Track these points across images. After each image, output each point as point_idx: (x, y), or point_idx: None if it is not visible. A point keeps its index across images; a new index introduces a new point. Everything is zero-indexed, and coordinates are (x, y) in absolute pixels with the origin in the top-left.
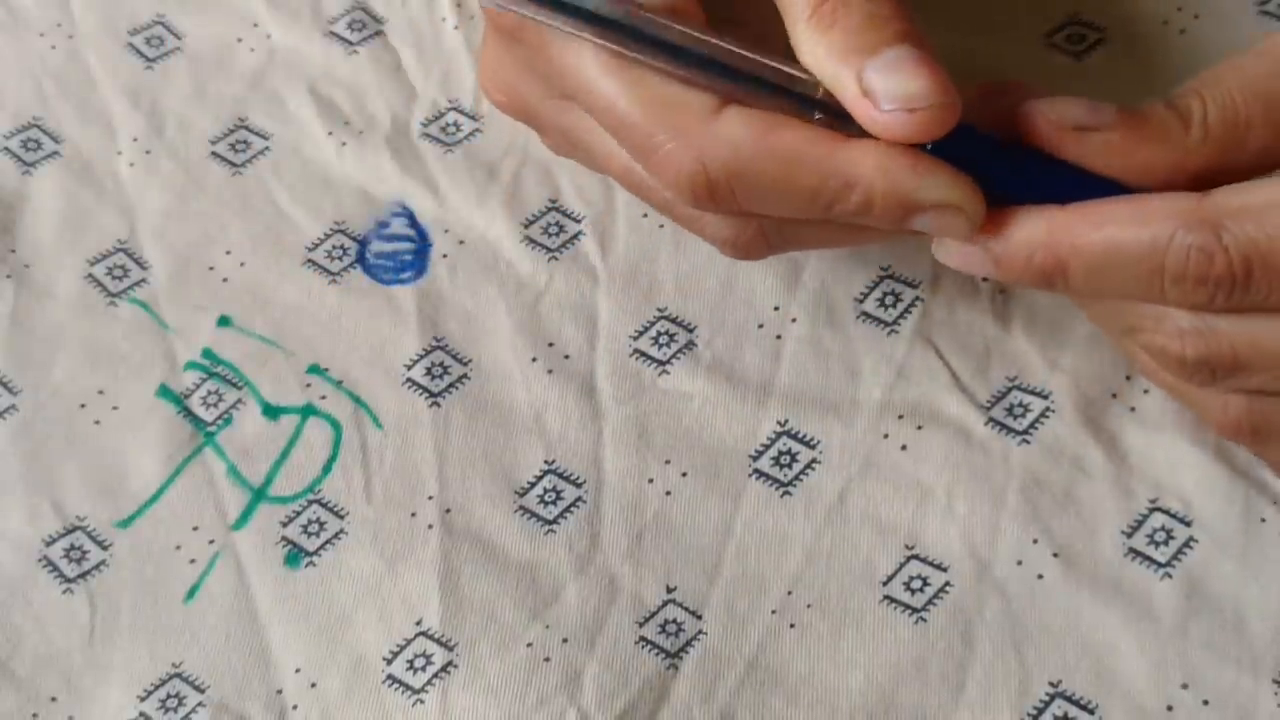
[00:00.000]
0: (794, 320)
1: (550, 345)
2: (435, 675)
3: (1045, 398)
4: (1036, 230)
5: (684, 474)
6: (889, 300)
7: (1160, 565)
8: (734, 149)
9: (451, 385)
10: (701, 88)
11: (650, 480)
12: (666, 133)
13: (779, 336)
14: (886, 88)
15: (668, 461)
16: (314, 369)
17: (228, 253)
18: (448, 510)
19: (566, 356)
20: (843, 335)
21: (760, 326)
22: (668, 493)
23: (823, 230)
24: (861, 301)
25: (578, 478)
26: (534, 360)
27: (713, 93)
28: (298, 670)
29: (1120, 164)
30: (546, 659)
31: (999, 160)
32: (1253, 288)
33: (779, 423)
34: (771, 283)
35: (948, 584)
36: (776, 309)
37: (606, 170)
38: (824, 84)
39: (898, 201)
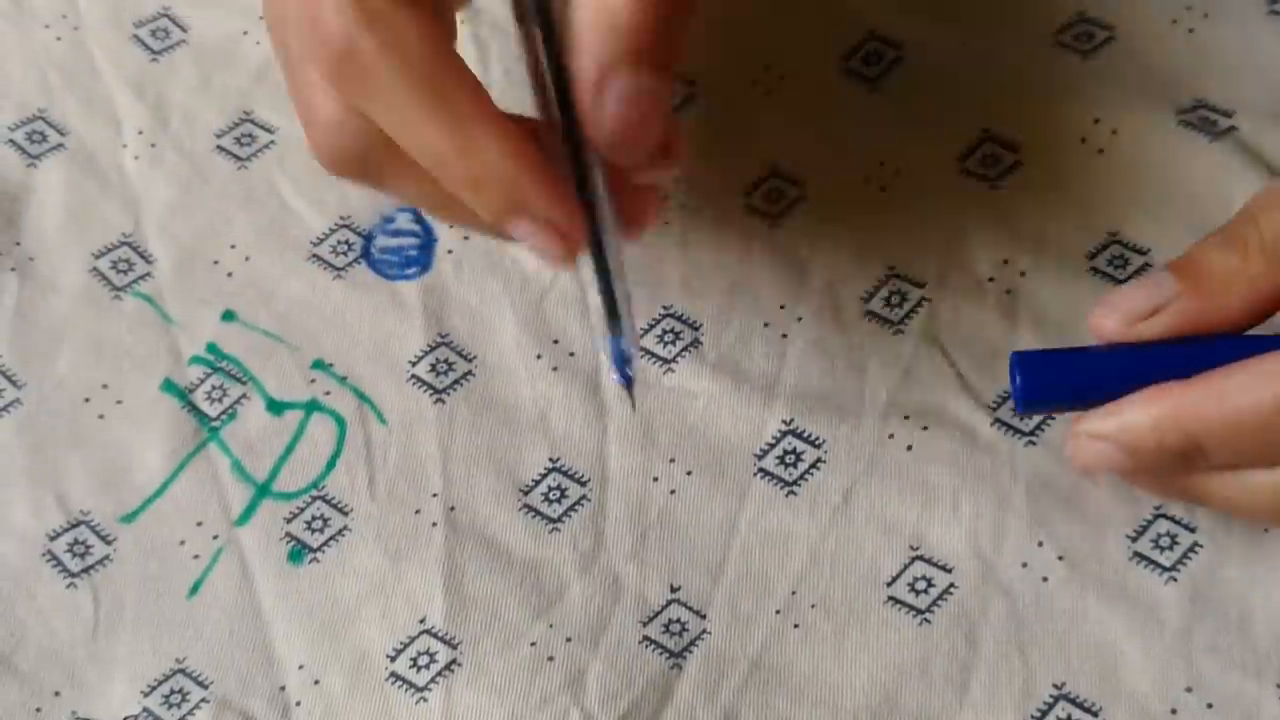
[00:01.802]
0: (800, 319)
1: (555, 342)
2: (439, 673)
3: None
4: (1163, 410)
5: (689, 472)
6: (895, 300)
7: (1165, 569)
8: (404, 33)
9: (456, 382)
10: None
11: (655, 479)
12: None
13: (785, 335)
14: (618, 111)
15: (672, 460)
16: (318, 364)
17: (232, 247)
18: (452, 508)
19: (571, 354)
20: (848, 335)
21: (766, 325)
22: (672, 491)
23: (424, 182)
24: (867, 301)
25: (582, 476)
26: (539, 357)
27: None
28: (301, 667)
29: (1200, 325)
30: (550, 658)
31: (1096, 364)
32: None
33: (784, 422)
34: (777, 281)
35: (952, 585)
36: (783, 308)
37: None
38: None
39: (507, 196)
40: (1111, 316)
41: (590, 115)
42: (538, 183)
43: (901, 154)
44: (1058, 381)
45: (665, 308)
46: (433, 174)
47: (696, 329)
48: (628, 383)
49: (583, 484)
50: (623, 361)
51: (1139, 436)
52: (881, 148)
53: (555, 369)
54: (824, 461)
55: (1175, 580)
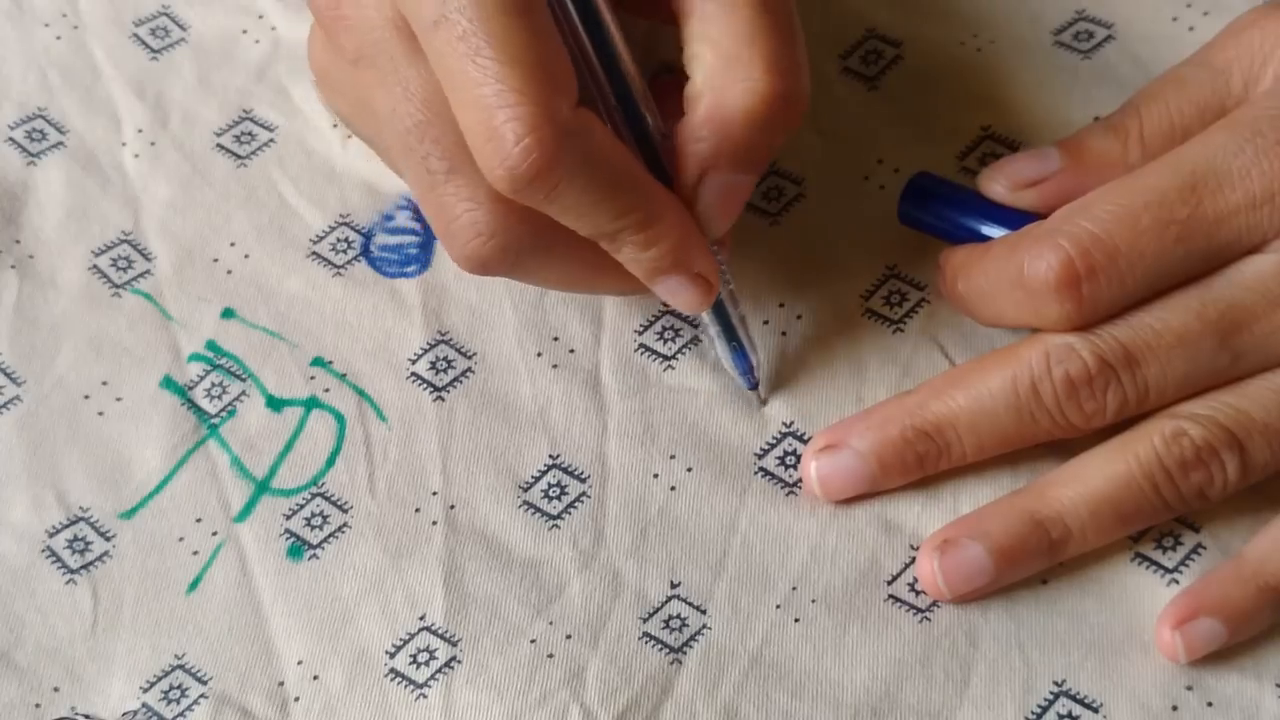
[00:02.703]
0: (799, 317)
1: (555, 339)
2: (439, 670)
3: None
4: (957, 259)
5: (689, 469)
6: (895, 298)
7: (1167, 570)
8: (587, 139)
9: (456, 379)
10: (568, 66)
11: (655, 475)
12: (536, 88)
13: (784, 334)
14: (712, 199)
15: (673, 456)
16: (318, 361)
17: (232, 244)
18: (452, 506)
19: (571, 351)
20: (848, 333)
21: (765, 323)
22: (673, 487)
23: (571, 263)
24: (867, 299)
25: (582, 473)
26: (539, 354)
27: (576, 74)
28: (300, 662)
29: (1074, 195)
30: (550, 655)
31: (971, 205)
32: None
33: (784, 424)
34: (776, 279)
35: None
36: (782, 305)
37: (384, 131)
38: (689, 117)
39: (674, 258)
40: (999, 180)
41: (685, 196)
42: (696, 242)
43: (900, 152)
44: (935, 204)
45: (665, 305)
46: (604, 246)
47: (696, 327)
48: (754, 386)
49: (582, 480)
50: (748, 370)
51: (941, 277)
52: (880, 146)
53: (555, 366)
54: None
55: (1177, 582)
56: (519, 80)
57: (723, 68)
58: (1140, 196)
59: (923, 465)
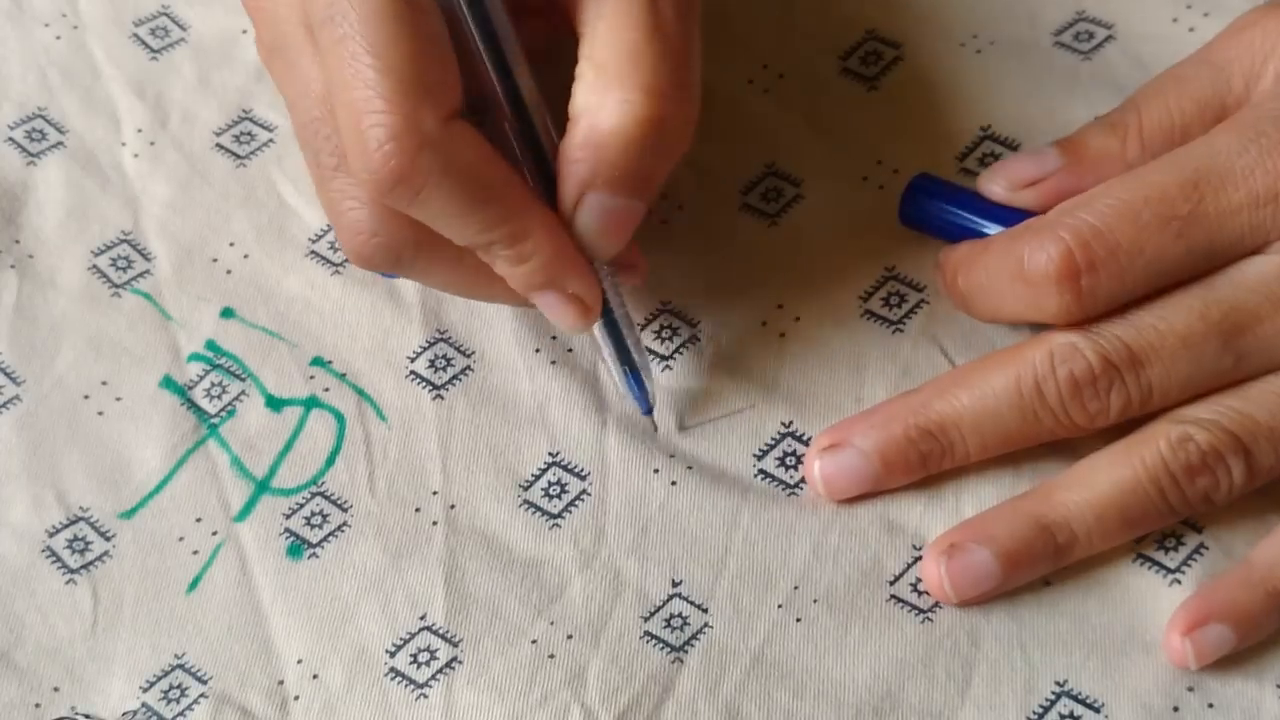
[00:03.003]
0: (797, 319)
1: (553, 338)
2: (439, 671)
3: None
4: (957, 253)
5: (689, 467)
6: (894, 299)
7: (1170, 571)
8: (453, 150)
9: (455, 378)
10: (450, 77)
11: (656, 470)
12: (402, 97)
13: (783, 335)
14: (589, 221)
15: (672, 455)
16: (317, 361)
17: (231, 244)
18: (452, 506)
19: (569, 349)
20: (847, 334)
21: (764, 324)
22: (674, 483)
23: (454, 269)
24: (866, 300)
25: (582, 470)
26: (537, 351)
27: (458, 81)
28: (300, 661)
29: (1073, 194)
30: (551, 656)
31: (971, 205)
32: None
33: (783, 424)
34: (776, 280)
35: None
36: (780, 307)
37: (292, 124)
38: (571, 134)
39: (546, 275)
40: (998, 181)
41: (565, 217)
42: (571, 262)
43: (900, 153)
44: (936, 204)
45: (664, 303)
46: (480, 256)
47: (694, 326)
48: (649, 412)
49: (582, 478)
50: (642, 395)
51: (941, 273)
52: (880, 147)
53: (554, 363)
54: None
55: (1180, 582)
56: (388, 87)
57: (602, 87)
58: (1142, 192)
59: (926, 464)
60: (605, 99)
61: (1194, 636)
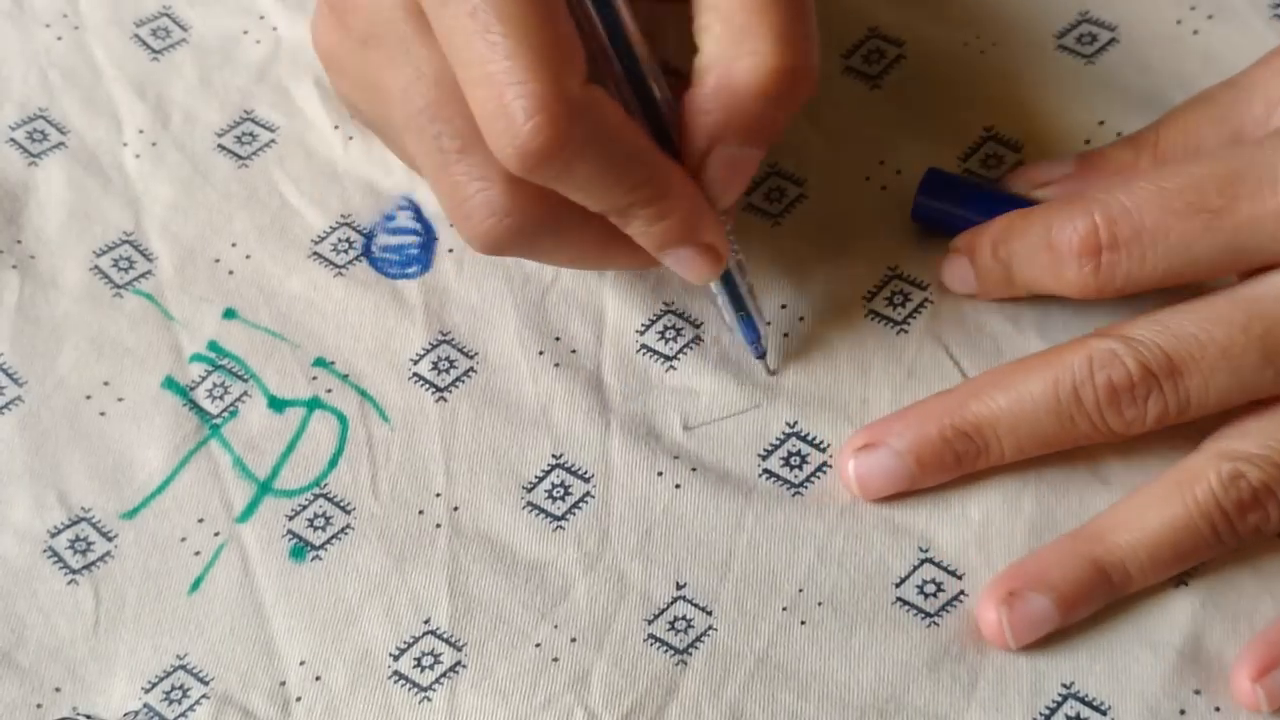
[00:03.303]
0: (801, 319)
1: (557, 339)
2: (443, 674)
3: None
4: (995, 229)
5: (693, 469)
6: (898, 299)
7: (1177, 575)
8: (597, 115)
9: (458, 379)
10: (577, 41)
11: (660, 473)
12: (544, 65)
13: (786, 335)
14: (718, 171)
15: (676, 457)
16: (320, 362)
17: (233, 245)
18: (455, 508)
19: (573, 351)
20: (851, 334)
21: (768, 324)
22: (677, 485)
23: (581, 241)
24: (870, 300)
25: (586, 472)
26: (540, 353)
27: (581, 45)
28: (302, 663)
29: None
30: (555, 659)
31: (982, 199)
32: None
33: (788, 424)
34: (779, 281)
35: (962, 593)
36: (784, 307)
37: (395, 112)
38: (695, 89)
39: (683, 230)
40: (1016, 185)
41: (693, 168)
42: (705, 214)
43: (903, 153)
44: (952, 196)
45: (666, 304)
46: (614, 221)
47: (698, 326)
48: (762, 355)
49: (586, 480)
50: (755, 339)
51: (976, 245)
52: (883, 146)
53: (557, 365)
54: (830, 465)
55: (1186, 585)
56: (528, 57)
57: (731, 39)
58: (1178, 180)
59: (961, 464)
60: (738, 50)
61: (1265, 682)
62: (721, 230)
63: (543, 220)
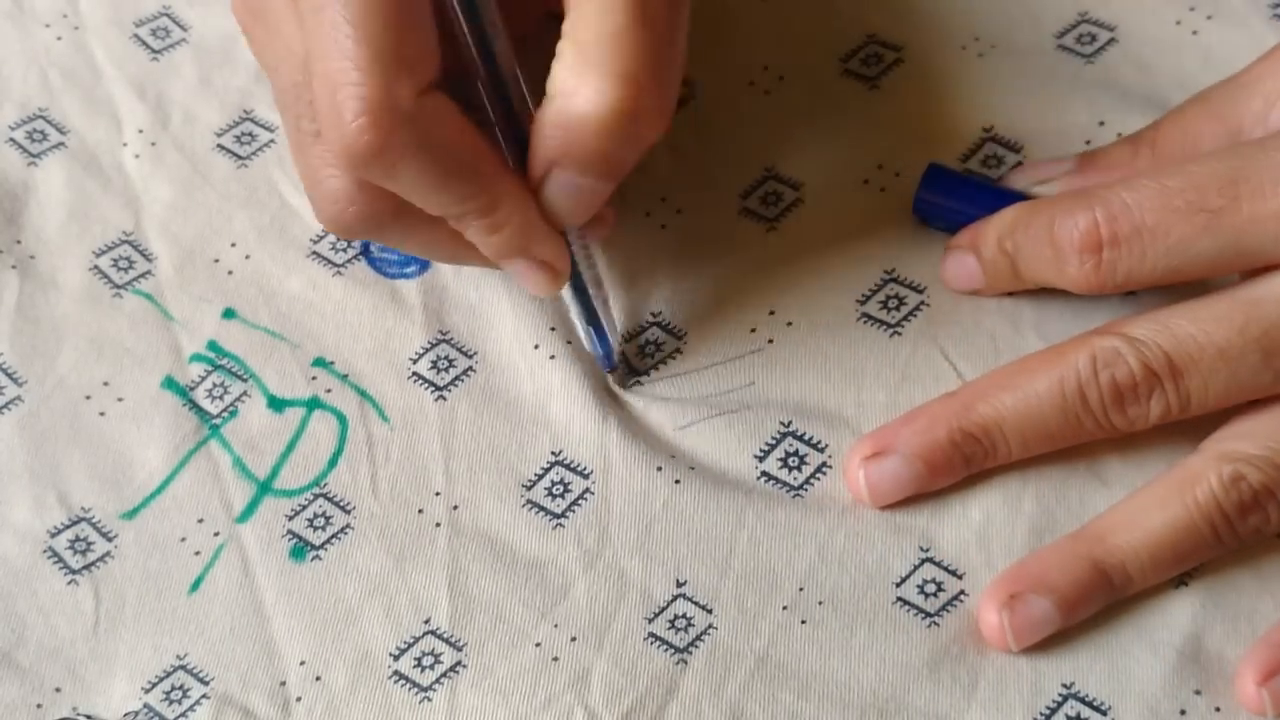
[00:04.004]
0: (790, 324)
1: (552, 329)
2: (443, 674)
3: None
4: (1001, 223)
5: (692, 467)
6: (892, 303)
7: (1177, 575)
8: (428, 125)
9: (457, 379)
10: (429, 48)
11: (659, 468)
12: (379, 68)
13: (770, 340)
14: (555, 195)
15: (673, 456)
16: (319, 362)
17: (233, 245)
18: (455, 507)
19: (569, 341)
20: (846, 338)
21: (752, 331)
22: (677, 481)
23: (430, 236)
24: (864, 303)
25: (585, 469)
26: (536, 347)
27: (436, 51)
28: (302, 663)
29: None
30: (555, 658)
31: (983, 193)
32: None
33: (782, 424)
34: (775, 285)
35: (962, 592)
36: (772, 313)
37: (273, 89)
38: (549, 107)
39: (518, 244)
40: (1017, 182)
41: (532, 187)
42: (539, 231)
43: (901, 156)
44: (954, 190)
45: (654, 314)
46: (452, 226)
47: (688, 331)
48: (612, 369)
49: (585, 476)
50: (608, 353)
51: (982, 239)
52: (881, 150)
53: (553, 357)
54: (829, 466)
55: (1186, 585)
56: (366, 59)
57: (577, 70)
58: (1179, 179)
59: (969, 465)
60: (581, 82)
61: (1270, 685)
62: (560, 247)
63: (387, 213)
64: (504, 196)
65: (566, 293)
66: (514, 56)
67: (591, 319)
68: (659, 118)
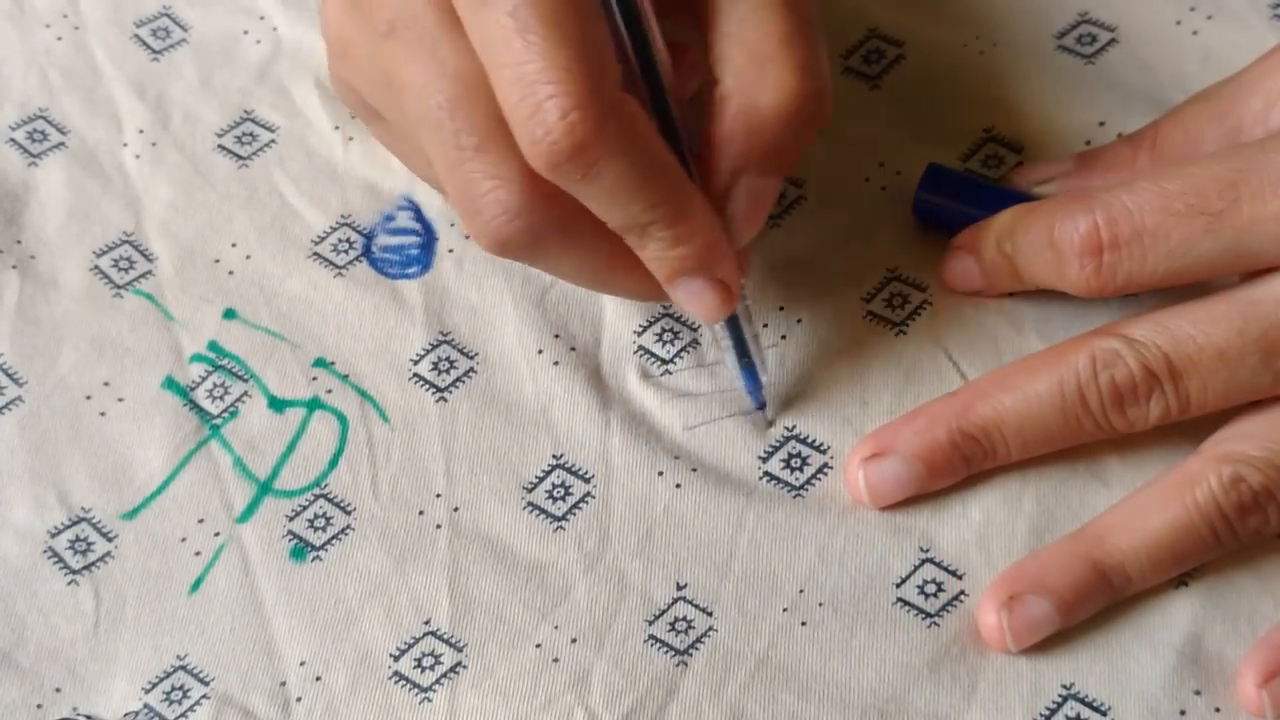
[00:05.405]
0: (799, 321)
1: (556, 337)
2: (444, 675)
3: None
4: (1000, 224)
5: (694, 469)
6: (896, 301)
7: (1176, 575)
8: (630, 123)
9: (458, 380)
10: (611, 51)
11: (660, 472)
12: (582, 67)
13: (784, 337)
14: (741, 203)
15: (677, 457)
16: (320, 362)
17: (233, 245)
18: (455, 508)
19: (573, 349)
20: (850, 336)
21: (765, 326)
22: (678, 485)
23: (590, 255)
24: (869, 301)
25: (586, 472)
26: (540, 352)
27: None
28: (302, 663)
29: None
30: (555, 660)
31: (982, 193)
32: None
33: (786, 428)
34: (777, 283)
35: (962, 593)
36: (781, 309)
37: (410, 106)
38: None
39: (700, 259)
40: (1017, 182)
41: (715, 199)
42: (724, 245)
43: (903, 154)
44: (953, 191)
45: (664, 307)
46: (629, 241)
47: (695, 330)
48: (762, 406)
49: (586, 480)
50: (756, 389)
51: (981, 240)
52: (882, 147)
53: (556, 364)
54: (830, 467)
55: (1187, 585)
56: (566, 59)
57: (755, 68)
58: (1179, 181)
59: (969, 467)
60: (761, 79)
61: (1271, 687)
62: (735, 266)
63: (554, 226)
64: (693, 206)
65: (719, 326)
66: (672, 67)
67: (744, 353)
68: (829, 102)
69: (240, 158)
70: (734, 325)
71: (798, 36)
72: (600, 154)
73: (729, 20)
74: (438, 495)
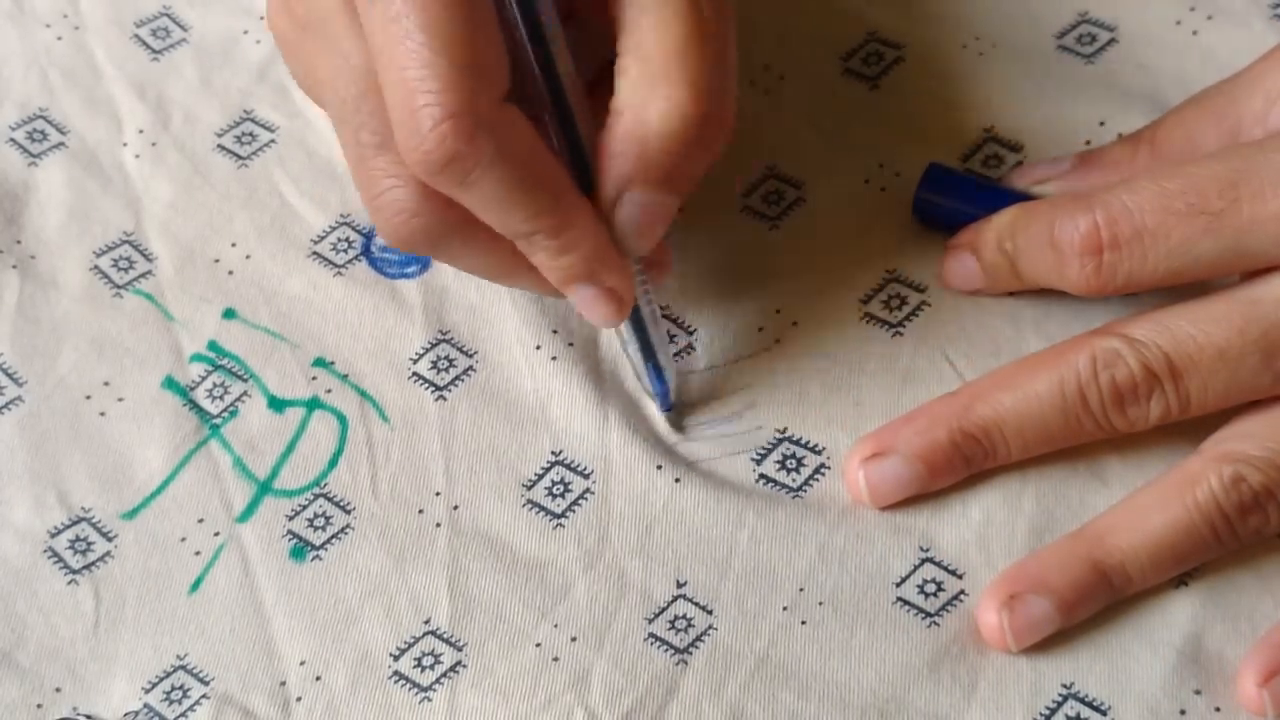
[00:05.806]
0: (795, 323)
1: (554, 332)
2: (443, 675)
3: None
4: (1000, 222)
5: (691, 464)
6: (894, 302)
7: (1177, 575)
8: (506, 135)
9: (457, 378)
10: (501, 60)
11: (659, 467)
12: (458, 76)
13: (778, 340)
14: (628, 216)
15: (673, 454)
16: (319, 362)
17: (233, 245)
18: (455, 507)
19: (570, 344)
20: (847, 337)
21: (761, 329)
22: (677, 480)
23: (490, 255)
24: (866, 303)
25: (585, 469)
26: (538, 348)
27: (506, 65)
28: (302, 663)
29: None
30: (555, 659)
31: (983, 192)
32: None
33: (778, 430)
34: (775, 284)
35: (962, 592)
36: (779, 312)
37: (326, 102)
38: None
39: (586, 268)
40: (1017, 182)
41: (604, 211)
42: (610, 256)
43: (902, 155)
44: (954, 190)
45: (662, 307)
46: (518, 247)
47: (691, 333)
48: (669, 409)
49: (586, 476)
50: (664, 393)
51: (981, 240)
52: (882, 149)
53: (554, 359)
54: (828, 468)
55: (1186, 585)
56: (444, 67)
57: (647, 83)
58: (1179, 181)
59: (969, 466)
60: (652, 94)
61: (1271, 686)
62: (628, 275)
63: (451, 226)
64: (576, 217)
65: (624, 328)
66: (576, 76)
67: (649, 356)
68: (726, 125)
69: (240, 157)
70: (639, 326)
71: (697, 53)
72: (473, 164)
73: (634, 30)
74: (437, 494)
